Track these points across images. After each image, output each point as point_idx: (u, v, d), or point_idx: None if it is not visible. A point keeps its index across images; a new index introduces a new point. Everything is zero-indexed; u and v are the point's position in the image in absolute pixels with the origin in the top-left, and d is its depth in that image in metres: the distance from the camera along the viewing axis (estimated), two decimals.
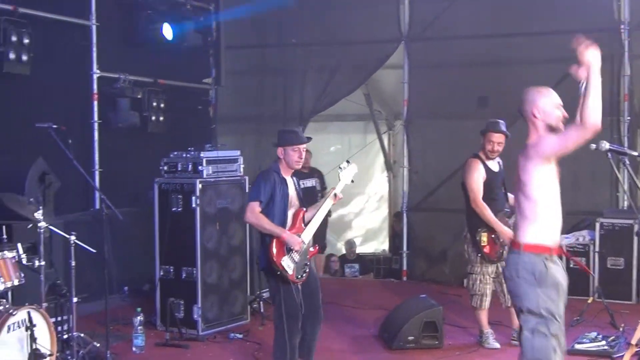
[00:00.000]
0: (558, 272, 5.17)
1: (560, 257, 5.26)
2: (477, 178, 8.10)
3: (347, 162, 7.13)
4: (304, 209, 6.94)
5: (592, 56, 4.92)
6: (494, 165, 8.23)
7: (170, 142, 10.36)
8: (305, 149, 6.96)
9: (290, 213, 6.83)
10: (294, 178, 7.04)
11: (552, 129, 5.16)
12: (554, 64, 10.90)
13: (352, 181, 7.10)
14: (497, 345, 8.26)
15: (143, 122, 10.88)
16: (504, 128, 8.15)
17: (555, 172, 5.19)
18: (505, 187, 8.23)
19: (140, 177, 10.42)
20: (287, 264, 6.63)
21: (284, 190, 6.80)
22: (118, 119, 10.49)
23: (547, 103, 5.20)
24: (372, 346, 8.48)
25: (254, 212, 6.73)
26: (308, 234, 6.82)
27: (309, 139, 7.00)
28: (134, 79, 10.69)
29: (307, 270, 6.83)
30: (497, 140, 8.09)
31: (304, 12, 12.54)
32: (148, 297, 9.60)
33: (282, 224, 6.75)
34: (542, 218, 5.15)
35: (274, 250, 6.62)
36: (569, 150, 5.01)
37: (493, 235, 8.09)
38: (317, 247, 7.27)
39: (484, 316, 8.32)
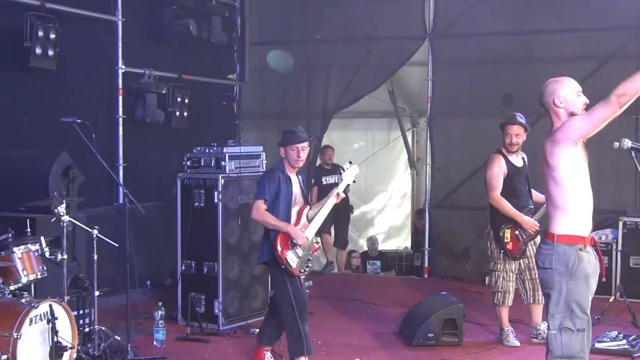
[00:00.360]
0: (590, 263, 5.15)
1: (594, 247, 5.22)
2: (497, 173, 8.08)
3: (350, 162, 7.32)
4: (308, 207, 7.17)
5: None
6: (518, 160, 8.20)
7: (193, 138, 10.40)
8: (304, 148, 7.06)
9: (294, 210, 7.06)
10: (299, 176, 7.25)
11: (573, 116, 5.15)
12: (579, 62, 10.92)
13: (354, 181, 7.31)
14: (517, 343, 8.24)
15: (167, 118, 10.94)
16: (521, 120, 8.13)
17: (584, 155, 5.17)
18: (529, 184, 8.21)
19: (163, 172, 10.50)
20: (291, 258, 6.86)
21: (289, 188, 7.01)
22: (145, 114, 10.55)
23: (567, 92, 5.19)
24: (393, 342, 8.48)
25: (259, 210, 6.96)
26: (311, 230, 7.05)
27: (310, 137, 7.21)
28: (159, 74, 10.77)
29: (310, 264, 7.06)
30: (515, 132, 8.08)
31: (328, 8, 12.57)
32: (170, 292, 9.65)
33: (287, 220, 6.97)
34: (573, 206, 5.14)
35: (279, 244, 6.85)
36: (597, 128, 4.99)
37: (517, 232, 8.07)
38: (320, 244, 7.43)
39: (505, 313, 8.29)
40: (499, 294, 8.21)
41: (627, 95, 4.80)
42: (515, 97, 11.06)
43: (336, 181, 12.02)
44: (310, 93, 12.83)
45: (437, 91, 12.09)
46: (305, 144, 7.08)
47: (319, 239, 7.57)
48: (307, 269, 7.05)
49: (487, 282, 8.87)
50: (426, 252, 12.18)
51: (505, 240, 8.11)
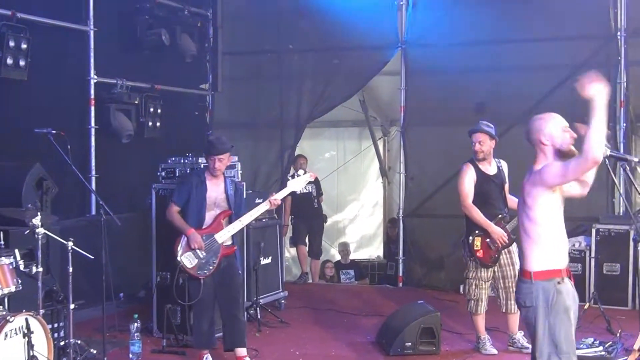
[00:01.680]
0: (569, 294, 5.15)
1: (569, 277, 5.23)
2: (467, 181, 8.15)
3: (304, 171, 7.86)
4: (230, 211, 7.57)
5: (595, 90, 4.77)
6: (491, 168, 8.24)
7: (166, 148, 10.36)
8: (221, 159, 7.46)
9: (212, 214, 7.53)
10: (228, 181, 7.70)
11: (562, 154, 5.14)
12: (550, 71, 11.03)
13: (302, 191, 8.11)
14: (494, 351, 8.26)
15: (139, 128, 10.85)
16: (485, 127, 8.17)
17: (560, 199, 5.18)
18: (505, 192, 8.25)
19: (136, 182, 10.44)
20: (189, 259, 7.43)
21: (202, 192, 7.48)
22: (115, 125, 10.45)
23: (553, 128, 5.16)
24: (370, 352, 8.46)
25: (169, 211, 7.61)
26: (224, 233, 7.48)
27: (231, 147, 7.59)
28: (131, 84, 10.69)
29: (211, 267, 7.45)
30: (477, 139, 8.15)
31: (300, 18, 12.57)
32: (143, 304, 9.59)
33: (198, 223, 7.49)
34: (547, 239, 5.14)
35: (178, 245, 7.46)
36: (570, 180, 5.04)
37: (488, 240, 8.10)
38: (235, 247, 7.66)
39: (480, 321, 8.31)
40: (472, 301, 8.24)
41: (594, 150, 4.77)
42: (488, 106, 11.12)
43: (310, 190, 12.08)
44: (283, 103, 12.80)
45: (410, 100, 12.13)
46: (224, 156, 7.49)
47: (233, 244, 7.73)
48: (207, 272, 7.44)
49: (461, 290, 8.89)
50: (400, 261, 12.18)
51: (476, 248, 8.15)
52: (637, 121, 11.25)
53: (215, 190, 7.55)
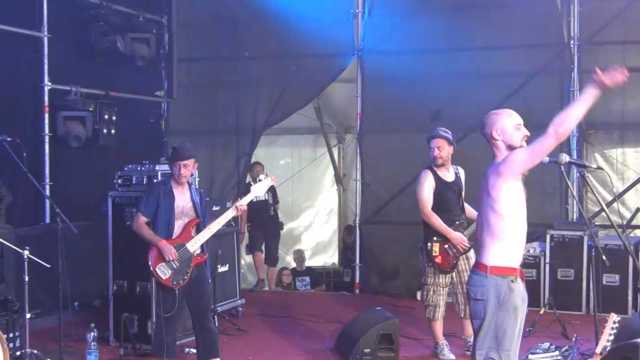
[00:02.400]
0: (519, 294, 5.21)
1: (522, 279, 5.29)
2: (426, 188, 8.20)
3: (266, 175, 7.83)
4: (198, 219, 7.46)
5: (609, 79, 4.79)
6: (449, 175, 8.30)
7: (121, 156, 10.24)
8: (186, 165, 7.35)
9: (180, 223, 7.40)
10: (193, 190, 7.60)
11: (513, 149, 5.18)
12: (506, 78, 11.18)
13: (258, 198, 7.63)
14: (452, 357, 8.31)
15: (94, 135, 10.72)
16: (443, 133, 8.24)
17: (523, 190, 5.23)
18: (462, 198, 8.31)
19: (91, 190, 10.33)
20: (163, 270, 7.26)
21: (169, 201, 7.35)
22: (69, 132, 10.32)
23: (506, 124, 5.22)
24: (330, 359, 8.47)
25: (137, 223, 7.45)
26: (195, 242, 7.37)
27: (194, 154, 7.46)
28: (86, 91, 10.57)
29: (186, 277, 7.31)
30: (435, 145, 8.21)
31: (256, 25, 12.56)
32: (99, 313, 9.51)
33: (167, 232, 7.36)
34: (509, 236, 5.17)
35: (152, 257, 7.29)
36: (536, 162, 5.05)
37: (446, 246, 8.16)
38: (205, 255, 7.59)
39: (438, 327, 8.36)
40: (430, 307, 8.28)
41: (565, 127, 4.83)
42: (444, 113, 11.20)
43: (266, 198, 12.05)
44: (239, 110, 12.78)
45: (366, 107, 12.19)
46: (188, 161, 7.38)
47: (204, 252, 7.66)
48: (182, 282, 7.30)
49: (419, 296, 8.94)
50: (357, 267, 12.21)
51: (434, 254, 8.19)
52: (589, 129, 11.41)
53: (182, 199, 7.44)
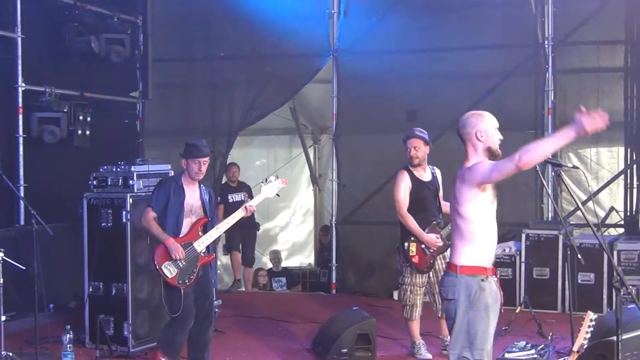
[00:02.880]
0: (491, 293, 5.24)
1: (496, 278, 5.32)
2: (403, 188, 8.20)
3: (276, 176, 7.62)
4: (207, 218, 7.32)
5: (589, 124, 4.72)
6: (426, 175, 8.32)
7: (96, 157, 10.17)
8: (205, 162, 7.25)
9: (188, 221, 7.23)
10: (202, 188, 7.42)
11: (490, 152, 5.23)
12: (481, 78, 11.23)
13: (278, 195, 7.58)
14: (429, 356, 8.34)
15: (69, 136, 10.65)
16: (420, 133, 8.25)
17: (492, 195, 5.26)
18: (439, 198, 8.33)
19: (66, 191, 10.25)
20: (169, 269, 7.05)
21: (179, 198, 7.19)
22: (44, 133, 10.26)
23: (488, 125, 5.26)
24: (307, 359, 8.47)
25: (146, 218, 7.24)
26: (202, 242, 7.22)
27: (211, 152, 7.45)
28: (60, 92, 10.51)
29: (192, 277, 7.14)
30: (412, 145, 8.21)
31: (231, 26, 12.54)
32: (74, 315, 9.44)
33: (175, 230, 7.18)
34: (477, 237, 5.22)
35: (157, 255, 7.10)
36: (496, 181, 5.10)
37: (423, 246, 8.17)
38: (213, 255, 7.50)
39: (415, 327, 8.38)
40: (408, 307, 8.29)
41: (529, 157, 4.83)
42: (419, 113, 11.23)
43: (242, 198, 12.02)
44: (214, 111, 12.74)
45: (342, 108, 12.20)
46: (207, 159, 7.29)
47: (212, 253, 7.56)
48: (188, 281, 7.12)
49: (397, 296, 8.95)
50: (333, 268, 12.22)
51: (411, 254, 8.20)
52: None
53: (192, 197, 7.28)
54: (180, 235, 7.19)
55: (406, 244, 8.21)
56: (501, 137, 5.30)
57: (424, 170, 8.34)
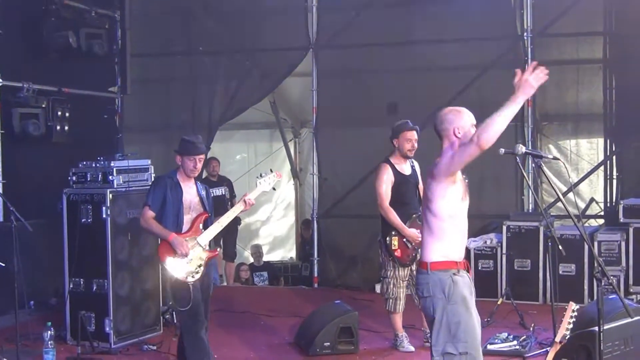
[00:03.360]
0: (465, 285, 5.23)
1: (467, 270, 5.32)
2: (385, 182, 8.19)
3: (271, 170, 7.51)
4: (207, 214, 7.18)
5: (535, 79, 4.81)
6: (407, 168, 8.32)
7: (75, 152, 10.07)
8: (201, 159, 7.17)
9: (189, 217, 7.10)
10: (199, 184, 7.30)
11: None
12: (460, 71, 11.24)
13: (274, 188, 7.49)
14: (412, 348, 8.36)
15: (47, 132, 10.57)
16: (413, 125, 8.27)
17: (462, 188, 5.24)
18: (419, 191, 8.33)
19: (45, 187, 10.19)
20: (174, 265, 6.90)
21: (177, 195, 7.06)
22: (22, 129, 10.17)
23: (465, 122, 5.21)
24: (289, 354, 8.47)
25: (144, 217, 7.09)
26: (205, 237, 7.09)
27: (208, 149, 7.06)
28: (38, 87, 10.40)
29: (200, 271, 6.99)
30: (411, 137, 8.22)
31: (210, 20, 12.50)
32: (55, 311, 9.41)
33: (176, 227, 7.02)
34: (447, 233, 5.21)
35: (163, 251, 6.97)
36: (461, 165, 5.04)
37: (405, 239, 8.17)
38: (217, 251, 7.44)
39: (398, 320, 8.39)
40: (391, 300, 8.29)
41: (489, 139, 4.80)
42: (400, 106, 11.22)
43: (223, 193, 11.98)
44: (194, 105, 12.69)
45: (322, 101, 12.17)
46: (202, 156, 7.20)
47: (216, 248, 7.54)
48: (196, 276, 6.96)
49: (379, 289, 8.95)
50: (315, 261, 12.21)
51: (393, 248, 8.21)
52: (543, 120, 11.52)
53: (190, 193, 7.14)
54: (182, 232, 7.04)
55: (388, 238, 8.21)
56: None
57: (405, 164, 8.34)
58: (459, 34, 11.29)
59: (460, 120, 5.24)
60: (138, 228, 8.77)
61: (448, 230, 5.20)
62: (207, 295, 7.19)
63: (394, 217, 8.15)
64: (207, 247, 7.13)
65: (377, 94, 11.61)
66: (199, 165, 7.16)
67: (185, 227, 7.07)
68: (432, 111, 10.10)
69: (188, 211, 7.10)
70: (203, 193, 7.27)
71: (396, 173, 8.25)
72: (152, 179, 9.10)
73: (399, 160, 8.28)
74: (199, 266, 7.01)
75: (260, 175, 7.42)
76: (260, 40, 12.35)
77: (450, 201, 5.17)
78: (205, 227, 7.15)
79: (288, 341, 8.89)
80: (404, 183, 8.29)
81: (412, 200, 8.34)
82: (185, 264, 6.93)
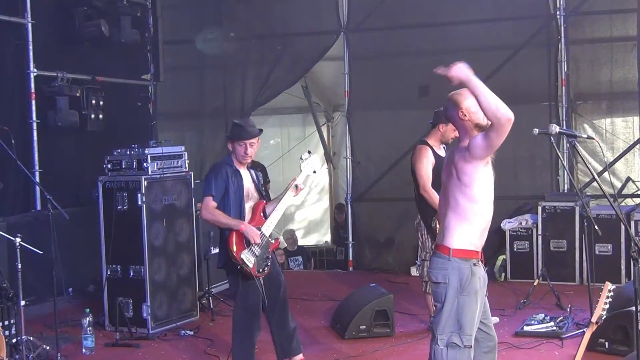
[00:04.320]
0: (480, 278, 5.15)
1: (482, 261, 5.25)
2: (427, 164, 8.04)
3: (309, 152, 7.13)
4: (265, 201, 6.83)
5: (457, 72, 4.92)
6: (441, 151, 8.28)
7: (110, 140, 10.19)
8: (252, 144, 6.70)
9: (248, 206, 6.71)
10: (251, 170, 6.93)
11: (481, 128, 5.11)
12: (492, 52, 11.16)
13: (315, 172, 7.00)
14: None
15: (82, 121, 10.67)
16: None
17: (491, 173, 5.18)
18: None
19: (80, 176, 10.32)
20: (247, 257, 6.46)
21: (238, 182, 6.67)
22: (57, 118, 10.28)
23: (470, 103, 5.10)
24: (325, 336, 8.49)
25: (208, 208, 6.60)
26: (268, 226, 6.68)
27: (260, 131, 6.81)
28: (72, 76, 10.50)
29: (269, 263, 6.66)
30: (453, 129, 8.13)
31: (241, 5, 12.52)
32: (93, 298, 9.51)
33: (239, 216, 6.63)
34: (477, 218, 5.12)
35: (234, 244, 6.48)
36: (496, 147, 4.96)
37: None
38: (278, 242, 7.08)
39: None
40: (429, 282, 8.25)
41: (507, 112, 4.79)
42: (431, 88, 11.16)
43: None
44: (227, 91, 12.72)
45: (354, 85, 12.16)
46: (254, 140, 6.72)
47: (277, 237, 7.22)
48: (266, 268, 6.62)
49: (418, 272, 8.92)
50: (350, 245, 12.22)
51: (438, 232, 8.12)
52: (577, 100, 11.40)
53: (247, 180, 6.74)
54: (245, 222, 6.63)
55: (433, 222, 8.07)
56: None
57: (440, 148, 8.30)
58: (491, 14, 11.22)
59: (464, 101, 5.13)
60: (173, 214, 8.95)
61: (479, 215, 5.12)
62: (279, 286, 6.86)
63: (437, 199, 8.05)
64: (271, 237, 6.76)
65: (408, 76, 11.53)
66: (250, 151, 6.68)
67: (247, 217, 6.69)
68: None
69: (247, 199, 6.72)
70: (258, 179, 6.96)
71: (436, 155, 8.16)
72: (187, 169, 9.18)
73: (436, 142, 8.22)
74: (267, 257, 6.65)
75: (301, 159, 6.96)
76: (292, 25, 12.35)
77: (485, 184, 5.12)
78: (265, 215, 6.76)
79: (324, 324, 8.92)
80: (441, 165, 8.23)
81: None
82: (255, 256, 6.53)
